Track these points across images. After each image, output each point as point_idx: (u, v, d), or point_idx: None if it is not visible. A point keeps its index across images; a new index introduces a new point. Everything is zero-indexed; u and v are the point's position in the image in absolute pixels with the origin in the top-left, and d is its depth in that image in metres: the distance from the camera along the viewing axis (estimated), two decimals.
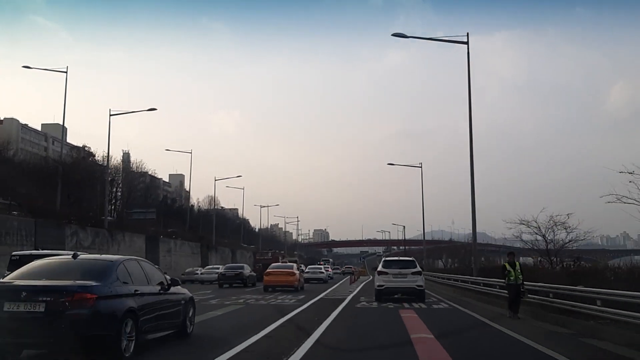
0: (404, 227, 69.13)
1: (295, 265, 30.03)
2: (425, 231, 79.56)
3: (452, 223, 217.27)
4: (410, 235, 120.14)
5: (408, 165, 46.91)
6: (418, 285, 19.84)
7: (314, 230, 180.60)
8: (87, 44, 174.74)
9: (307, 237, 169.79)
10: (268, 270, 27.42)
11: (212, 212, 72.83)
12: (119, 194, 69.43)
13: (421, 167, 45.11)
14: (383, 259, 26.86)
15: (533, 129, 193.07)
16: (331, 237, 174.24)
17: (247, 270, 33.90)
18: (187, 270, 42.52)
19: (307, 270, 41.86)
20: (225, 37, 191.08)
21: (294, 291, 25.55)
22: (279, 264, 31.61)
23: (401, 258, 24.35)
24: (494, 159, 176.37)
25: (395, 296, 20.06)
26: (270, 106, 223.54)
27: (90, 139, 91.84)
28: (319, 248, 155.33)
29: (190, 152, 67.55)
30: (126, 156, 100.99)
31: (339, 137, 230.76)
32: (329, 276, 50.30)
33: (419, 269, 20.69)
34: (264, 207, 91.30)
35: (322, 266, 58.71)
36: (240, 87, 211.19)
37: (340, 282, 41.97)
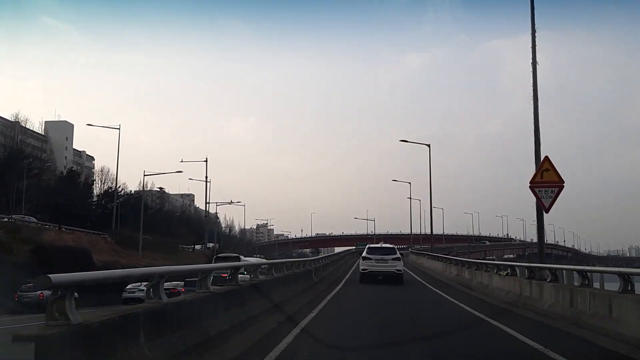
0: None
1: None
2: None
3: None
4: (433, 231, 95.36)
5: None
6: (397, 270, 22.75)
7: (316, 233, 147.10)
8: (99, 45, 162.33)
9: (285, 235, 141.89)
10: None
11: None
12: None
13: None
14: (367, 246, 27.19)
15: (560, 135, 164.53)
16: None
17: None
18: None
19: None
20: (244, 36, 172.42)
21: None
22: None
23: (383, 245, 26.85)
24: (514, 167, 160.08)
25: (379, 278, 22.46)
26: (287, 110, 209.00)
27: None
28: (296, 248, 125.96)
29: (119, 128, 52.66)
30: None
31: (358, 143, 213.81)
32: None
33: (398, 255, 23.97)
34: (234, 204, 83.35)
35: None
36: (256, 90, 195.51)
37: None
